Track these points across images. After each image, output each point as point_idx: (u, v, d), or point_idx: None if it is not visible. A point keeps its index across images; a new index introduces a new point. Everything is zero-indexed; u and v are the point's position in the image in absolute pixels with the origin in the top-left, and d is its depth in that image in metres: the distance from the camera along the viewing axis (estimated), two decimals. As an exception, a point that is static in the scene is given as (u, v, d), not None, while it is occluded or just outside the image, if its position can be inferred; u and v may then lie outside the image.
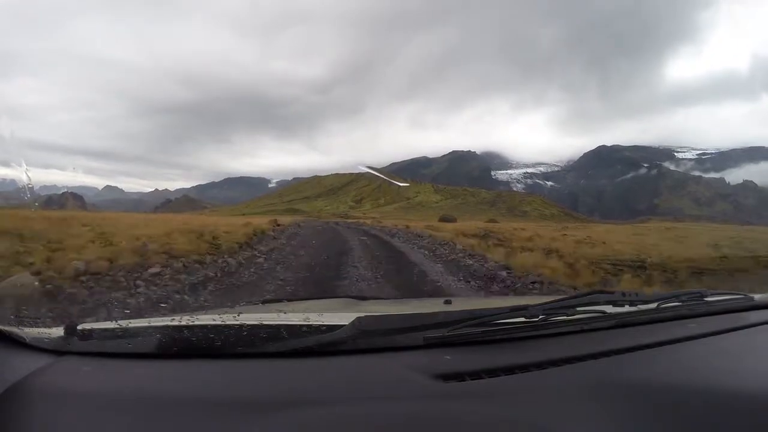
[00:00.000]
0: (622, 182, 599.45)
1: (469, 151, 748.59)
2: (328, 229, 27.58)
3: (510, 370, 0.92)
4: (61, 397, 0.83)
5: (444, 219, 59.40)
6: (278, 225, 24.24)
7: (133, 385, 0.88)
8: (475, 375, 0.90)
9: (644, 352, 1.06)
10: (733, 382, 0.90)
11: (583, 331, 1.17)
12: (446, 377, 0.89)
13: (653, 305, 1.34)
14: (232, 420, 0.75)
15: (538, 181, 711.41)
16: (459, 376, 0.89)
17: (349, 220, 56.49)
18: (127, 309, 5.14)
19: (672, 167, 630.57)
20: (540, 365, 0.95)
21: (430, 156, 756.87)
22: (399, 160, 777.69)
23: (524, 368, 0.93)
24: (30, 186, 2.14)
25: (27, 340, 1.01)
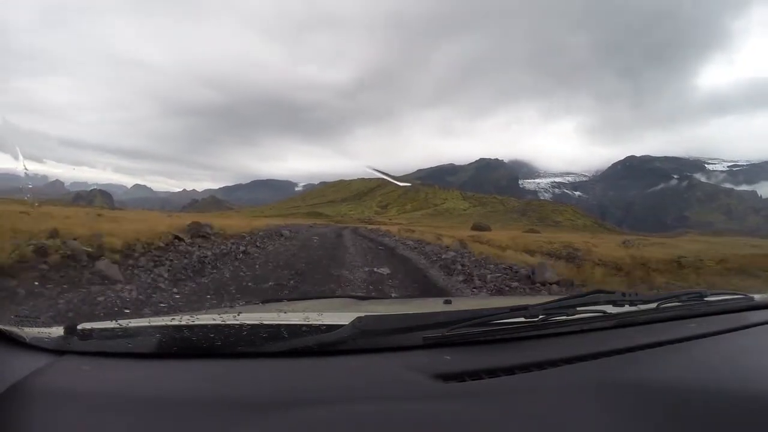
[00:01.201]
0: (651, 194, 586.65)
1: (497, 159, 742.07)
2: (326, 243, 17.07)
3: (510, 370, 0.92)
4: (61, 397, 0.83)
5: (478, 227, 59.87)
6: (200, 235, 12.26)
7: (133, 385, 0.88)
8: (475, 375, 0.89)
9: (644, 352, 1.05)
10: (733, 382, 0.89)
11: (583, 331, 1.16)
12: (446, 377, 0.88)
13: (653, 305, 1.34)
14: (232, 420, 0.75)
15: (566, 191, 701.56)
16: (459, 376, 0.89)
17: (371, 227, 50.74)
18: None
19: (703, 179, 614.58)
20: (540, 365, 0.94)
21: (457, 163, 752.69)
22: (425, 167, 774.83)
23: (524, 368, 0.93)
24: (29, 175, 2.03)
25: (27, 340, 1.00)
